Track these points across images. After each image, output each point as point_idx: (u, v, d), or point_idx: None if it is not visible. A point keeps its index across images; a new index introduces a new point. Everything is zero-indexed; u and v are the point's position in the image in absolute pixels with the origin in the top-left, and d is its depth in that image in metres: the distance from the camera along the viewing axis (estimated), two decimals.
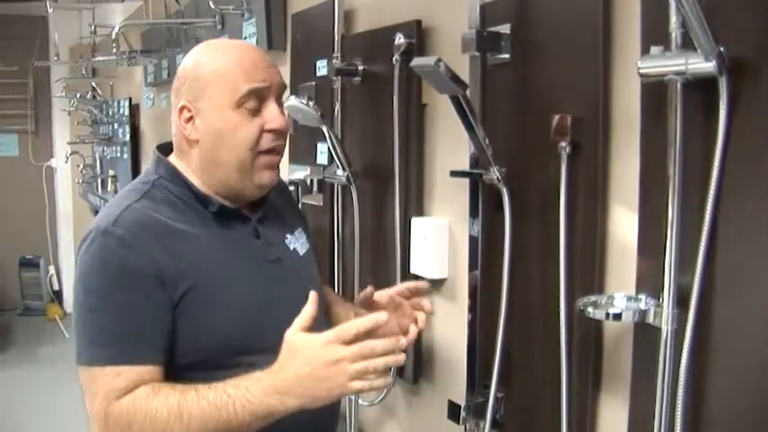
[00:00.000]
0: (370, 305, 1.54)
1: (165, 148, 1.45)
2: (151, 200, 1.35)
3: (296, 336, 1.23)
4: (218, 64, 1.35)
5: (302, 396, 1.21)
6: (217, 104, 1.33)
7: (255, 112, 1.35)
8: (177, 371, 1.30)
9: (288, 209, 1.58)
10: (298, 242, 1.52)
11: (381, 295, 1.56)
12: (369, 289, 1.56)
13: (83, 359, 1.27)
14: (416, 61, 1.50)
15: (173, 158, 1.42)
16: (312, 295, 1.28)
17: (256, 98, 1.34)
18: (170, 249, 1.29)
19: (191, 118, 1.36)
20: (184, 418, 1.22)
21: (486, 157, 1.59)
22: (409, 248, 1.99)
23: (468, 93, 1.51)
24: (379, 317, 1.23)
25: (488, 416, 1.65)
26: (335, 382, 1.20)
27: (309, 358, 1.21)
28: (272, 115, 1.36)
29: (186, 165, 1.40)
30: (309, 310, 1.26)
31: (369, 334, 1.22)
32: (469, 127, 1.54)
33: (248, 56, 1.37)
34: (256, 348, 1.31)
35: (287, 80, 2.69)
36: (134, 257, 1.27)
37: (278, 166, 1.42)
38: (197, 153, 1.37)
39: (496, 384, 1.63)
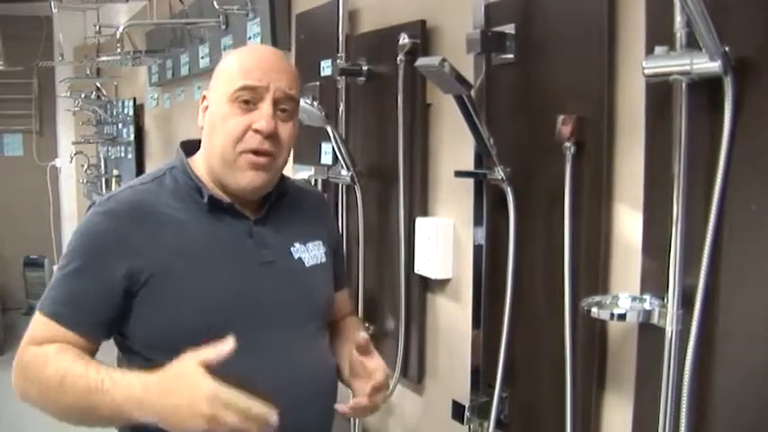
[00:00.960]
0: (364, 352, 1.43)
1: (190, 145, 1.49)
2: (159, 185, 1.42)
3: (193, 369, 1.17)
4: (230, 59, 1.42)
5: (162, 418, 1.18)
6: (218, 95, 1.39)
7: (247, 109, 1.36)
8: (140, 354, 1.35)
9: (312, 219, 1.54)
10: (308, 253, 1.49)
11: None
12: (362, 338, 1.42)
13: (39, 304, 1.42)
14: (421, 61, 1.51)
15: (198, 154, 1.46)
16: (226, 344, 1.19)
17: (250, 95, 1.35)
18: (150, 233, 1.34)
19: (207, 107, 1.43)
20: (63, 386, 1.27)
21: (490, 157, 1.59)
22: (413, 248, 1.99)
23: (472, 93, 1.51)
24: (272, 419, 1.17)
25: (492, 416, 1.65)
26: (199, 411, 1.15)
27: (189, 398, 1.16)
28: (260, 115, 1.35)
29: (203, 159, 1.44)
30: (221, 354, 1.18)
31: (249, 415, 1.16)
32: (474, 127, 1.54)
33: (258, 56, 1.40)
34: (215, 342, 1.22)
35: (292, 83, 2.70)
36: (110, 232, 1.36)
37: (266, 170, 1.38)
38: (203, 139, 1.43)
39: (501, 384, 1.63)
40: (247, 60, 1.39)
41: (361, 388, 1.41)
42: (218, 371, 1.18)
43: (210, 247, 1.37)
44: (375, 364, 1.40)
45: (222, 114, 1.37)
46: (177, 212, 1.38)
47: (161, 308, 1.33)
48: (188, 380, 1.18)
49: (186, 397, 1.17)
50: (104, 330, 1.36)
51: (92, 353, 1.34)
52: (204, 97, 1.44)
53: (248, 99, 1.36)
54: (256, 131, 1.36)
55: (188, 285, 1.33)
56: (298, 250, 1.48)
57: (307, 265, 1.48)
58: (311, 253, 1.50)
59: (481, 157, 1.66)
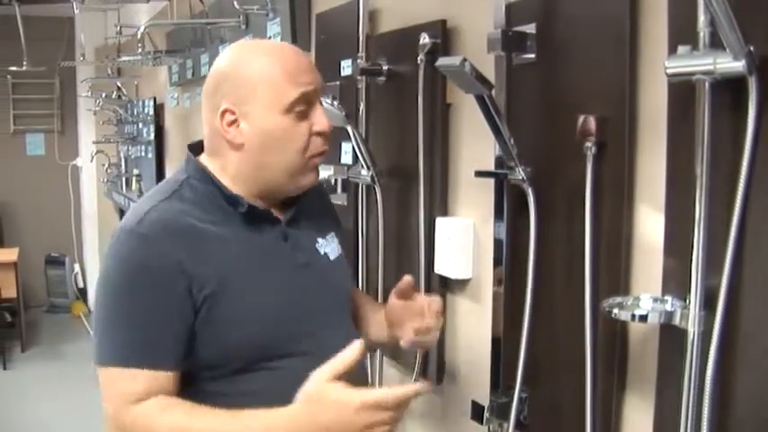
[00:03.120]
0: (408, 296, 1.49)
1: (196, 147, 1.45)
2: (179, 199, 1.34)
3: (330, 387, 1.16)
4: (264, 66, 1.33)
5: None
6: (265, 108, 1.32)
7: (304, 115, 1.34)
8: (198, 375, 1.30)
9: (323, 211, 1.56)
10: (329, 246, 1.50)
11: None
12: (407, 279, 1.48)
13: (100, 359, 1.30)
14: (442, 61, 1.50)
15: (203, 158, 1.41)
16: (356, 345, 1.20)
17: (305, 102, 1.34)
18: (194, 251, 1.28)
19: (234, 121, 1.33)
20: None
21: (511, 157, 1.59)
22: (434, 248, 1.99)
23: (493, 93, 1.50)
24: (423, 387, 1.22)
25: (512, 416, 1.64)
26: None
27: (339, 417, 1.15)
28: (319, 118, 1.36)
29: (220, 166, 1.38)
30: (348, 358, 1.19)
31: (404, 402, 1.18)
32: (495, 127, 1.54)
33: (293, 58, 1.36)
34: (280, 354, 1.31)
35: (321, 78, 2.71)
36: (156, 258, 1.26)
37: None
38: (239, 156, 1.35)
39: (520, 385, 1.63)
40: (287, 65, 1.33)
41: (415, 325, 1.45)
42: (295, 384, 1.19)
43: (254, 257, 1.35)
44: (423, 297, 1.46)
45: (281, 128, 1.33)
46: (212, 226, 1.32)
47: (225, 327, 1.29)
48: (330, 400, 1.16)
49: (336, 417, 1.15)
50: (186, 358, 1.29)
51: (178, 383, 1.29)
52: (228, 111, 1.33)
53: (305, 107, 1.34)
54: (318, 134, 1.36)
55: (245, 301, 1.31)
56: (321, 245, 1.48)
57: (331, 258, 1.49)
58: (331, 246, 1.51)
59: (502, 157, 1.65)
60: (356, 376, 1.45)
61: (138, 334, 1.27)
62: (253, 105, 1.32)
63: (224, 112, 1.34)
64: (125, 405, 1.25)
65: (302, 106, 1.34)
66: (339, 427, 1.15)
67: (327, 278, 1.46)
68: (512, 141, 1.54)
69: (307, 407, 1.17)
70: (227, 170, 1.37)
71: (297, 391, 1.18)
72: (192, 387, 1.30)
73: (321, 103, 1.39)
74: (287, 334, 1.33)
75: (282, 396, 1.19)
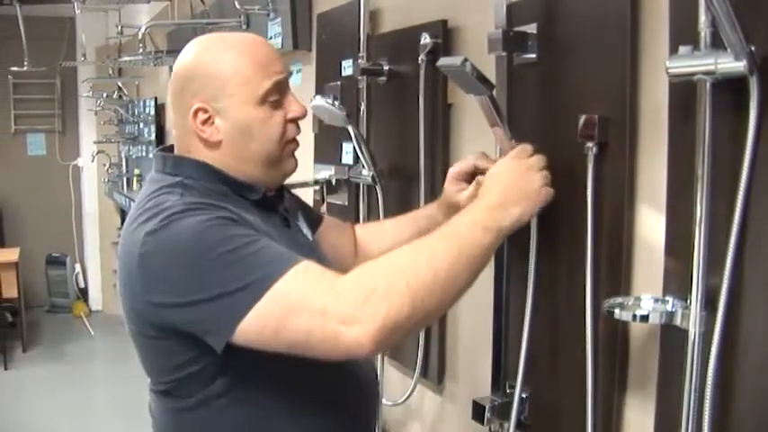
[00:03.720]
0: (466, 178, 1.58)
1: (166, 151, 1.42)
2: (191, 198, 1.29)
3: (489, 170, 1.40)
4: (233, 60, 1.33)
5: (518, 201, 1.34)
6: (240, 102, 1.32)
7: (278, 104, 1.35)
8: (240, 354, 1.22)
9: (285, 193, 1.55)
10: (305, 226, 1.53)
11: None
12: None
13: (255, 292, 1.15)
14: (443, 61, 1.50)
15: (208, 158, 1.38)
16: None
17: (278, 91, 1.35)
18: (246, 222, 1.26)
19: (208, 119, 1.33)
20: (425, 252, 1.20)
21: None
22: None
23: (494, 93, 1.50)
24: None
25: (513, 417, 1.64)
26: (533, 184, 1.36)
27: (508, 173, 1.36)
28: (293, 105, 1.37)
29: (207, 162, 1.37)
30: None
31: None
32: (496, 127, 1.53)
33: (261, 48, 1.36)
34: None
35: (312, 80, 2.71)
36: (224, 212, 1.23)
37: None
38: (219, 154, 1.35)
39: (521, 385, 1.62)
40: (256, 56, 1.33)
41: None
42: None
43: (278, 237, 1.32)
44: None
45: (258, 119, 1.33)
46: (236, 209, 1.28)
47: None
48: (504, 168, 1.39)
49: (510, 175, 1.36)
50: None
51: None
52: (201, 110, 1.32)
53: (278, 96, 1.35)
54: (292, 120, 1.37)
55: None
56: (301, 227, 1.51)
57: (310, 238, 1.52)
58: (304, 225, 1.53)
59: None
60: (366, 373, 1.47)
61: (268, 249, 1.20)
62: (226, 101, 1.32)
63: (196, 111, 1.33)
64: (333, 282, 1.16)
65: (275, 96, 1.34)
66: (514, 179, 1.35)
67: (318, 259, 1.46)
68: (513, 142, 1.54)
69: (485, 189, 1.35)
70: (217, 165, 1.36)
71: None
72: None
73: (290, 90, 1.39)
74: None
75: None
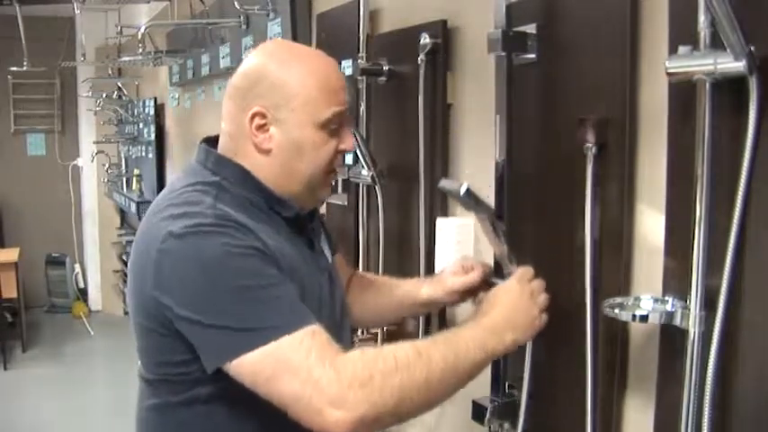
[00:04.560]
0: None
1: (211, 143, 1.41)
2: (224, 204, 1.27)
3: (493, 290, 1.42)
4: (307, 77, 1.32)
5: (515, 329, 1.36)
6: (301, 119, 1.31)
7: (335, 133, 1.35)
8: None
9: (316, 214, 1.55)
10: (326, 247, 1.52)
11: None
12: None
13: (261, 338, 1.16)
14: (443, 183, 1.50)
15: (251, 166, 1.36)
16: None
17: (338, 121, 1.35)
18: (268, 243, 1.25)
19: (264, 125, 1.32)
20: (423, 356, 1.22)
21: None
22: (434, 248, 1.98)
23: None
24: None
25: (521, 421, 1.64)
26: (532, 312, 1.39)
27: (510, 297, 1.39)
28: (347, 138, 1.38)
29: (251, 170, 1.35)
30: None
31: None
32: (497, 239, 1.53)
33: (335, 74, 1.37)
34: None
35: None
36: (252, 240, 1.22)
37: None
38: (265, 162, 1.34)
39: (528, 390, 1.63)
40: (329, 81, 1.34)
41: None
42: None
43: (302, 261, 1.34)
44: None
45: (312, 142, 1.32)
46: (265, 225, 1.29)
47: None
48: (498, 294, 1.40)
49: (511, 300, 1.38)
50: None
51: None
52: (259, 115, 1.31)
53: (337, 126, 1.35)
54: (342, 152, 1.38)
55: (305, 303, 1.27)
56: (324, 249, 1.50)
57: (330, 261, 1.51)
58: (326, 248, 1.52)
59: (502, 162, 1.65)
60: None
61: (290, 297, 1.22)
62: (287, 114, 1.31)
63: (255, 114, 1.31)
64: (334, 357, 1.17)
65: (335, 125, 1.34)
66: (516, 304, 1.38)
67: (337, 282, 1.49)
68: (513, 264, 1.51)
69: (486, 308, 1.38)
70: (258, 174, 1.34)
71: None
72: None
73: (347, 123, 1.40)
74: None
75: None
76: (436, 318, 2.03)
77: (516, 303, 1.38)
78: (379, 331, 2.24)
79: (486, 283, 1.55)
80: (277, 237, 1.30)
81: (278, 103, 1.30)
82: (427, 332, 2.05)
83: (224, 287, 1.18)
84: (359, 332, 2.21)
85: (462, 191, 1.38)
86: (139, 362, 1.38)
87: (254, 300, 1.18)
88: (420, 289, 1.64)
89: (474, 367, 1.30)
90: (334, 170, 1.40)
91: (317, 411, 1.14)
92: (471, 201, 1.41)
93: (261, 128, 1.32)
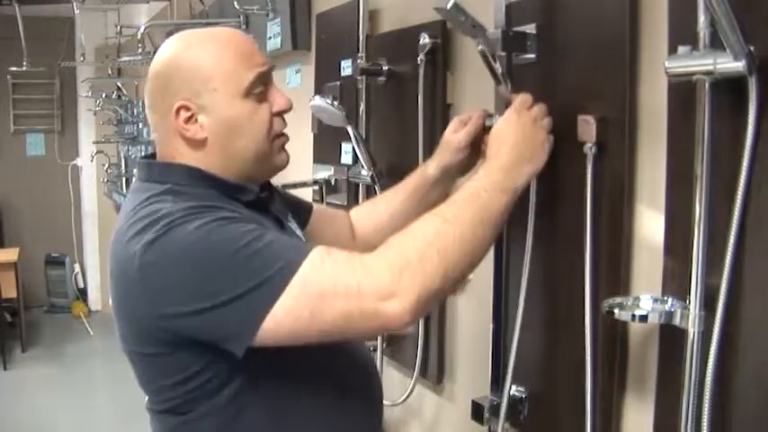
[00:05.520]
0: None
1: (148, 159, 1.39)
2: (183, 203, 1.22)
3: (493, 128, 1.41)
4: (214, 53, 1.28)
5: (529, 160, 1.36)
6: (225, 96, 1.28)
7: (263, 97, 1.32)
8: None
9: (276, 193, 1.51)
10: (295, 224, 1.49)
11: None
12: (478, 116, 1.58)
13: (280, 281, 1.12)
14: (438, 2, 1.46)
15: (196, 159, 1.33)
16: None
17: (262, 83, 1.31)
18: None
19: (191, 117, 1.28)
20: (450, 219, 1.21)
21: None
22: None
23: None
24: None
25: (502, 416, 1.64)
26: (540, 137, 1.39)
27: (513, 129, 1.37)
28: (278, 98, 1.34)
29: (194, 164, 1.32)
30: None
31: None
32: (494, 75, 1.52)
33: (241, 40, 1.33)
34: None
35: (312, 80, 2.71)
36: (226, 213, 1.20)
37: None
38: (206, 154, 1.31)
39: (518, 384, 1.63)
40: (237, 49, 1.30)
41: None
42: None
43: None
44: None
45: (245, 113, 1.29)
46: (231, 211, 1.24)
47: None
48: (500, 129, 1.39)
49: (515, 132, 1.37)
50: None
51: None
52: (183, 108, 1.27)
53: (263, 89, 1.32)
54: (278, 113, 1.34)
55: None
56: (293, 225, 1.47)
57: (303, 239, 1.47)
58: (295, 225, 1.49)
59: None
60: (367, 369, 1.47)
61: (280, 240, 1.19)
62: (210, 96, 1.27)
63: (179, 109, 1.28)
64: (364, 257, 1.16)
65: (260, 87, 1.31)
66: (522, 134, 1.37)
67: None
68: (512, 94, 1.50)
69: (494, 149, 1.36)
70: (204, 166, 1.31)
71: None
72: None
73: (274, 83, 1.37)
74: None
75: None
76: (436, 310, 2.03)
77: (521, 134, 1.37)
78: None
79: (489, 128, 1.52)
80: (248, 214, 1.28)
81: (196, 89, 1.27)
82: (426, 331, 2.06)
83: (217, 262, 1.14)
84: None
85: (449, 5, 1.34)
86: (146, 396, 1.34)
87: (250, 256, 1.14)
88: (426, 169, 1.63)
89: (503, 211, 1.30)
90: (280, 134, 1.36)
91: (374, 313, 1.12)
92: (461, 17, 1.36)
93: (189, 120, 1.29)
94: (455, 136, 1.58)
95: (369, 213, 1.70)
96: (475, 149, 1.59)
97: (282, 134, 1.37)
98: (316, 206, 1.68)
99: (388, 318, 1.12)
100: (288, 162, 1.40)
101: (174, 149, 1.32)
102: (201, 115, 1.28)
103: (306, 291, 1.12)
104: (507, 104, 1.49)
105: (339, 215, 1.72)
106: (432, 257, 1.15)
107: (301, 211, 1.60)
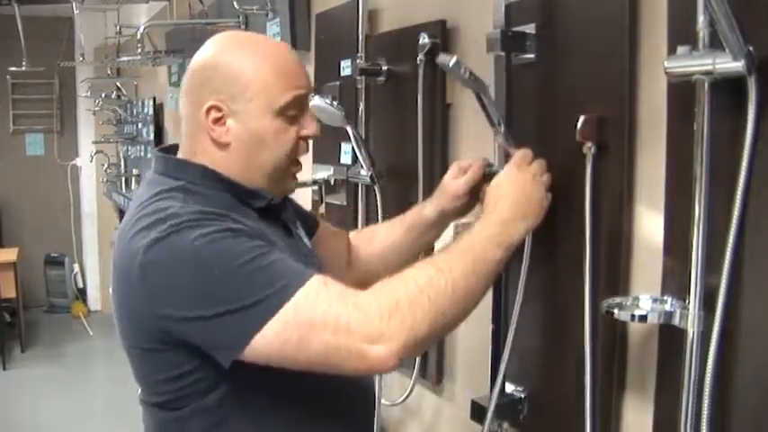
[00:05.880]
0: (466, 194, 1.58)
1: (169, 152, 1.39)
2: (193, 203, 1.23)
3: (492, 181, 1.42)
4: (259, 65, 1.28)
5: (526, 216, 1.37)
6: (258, 108, 1.28)
7: (294, 119, 1.32)
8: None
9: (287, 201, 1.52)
10: (303, 234, 1.50)
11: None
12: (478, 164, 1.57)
13: (274, 303, 1.13)
14: (441, 58, 1.49)
15: (212, 160, 1.33)
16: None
17: (297, 106, 1.31)
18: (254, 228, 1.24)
19: (220, 118, 1.29)
20: (444, 268, 1.21)
21: (510, 156, 1.58)
22: (432, 248, 1.98)
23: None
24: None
25: (489, 414, 1.64)
26: (539, 195, 1.40)
27: (513, 185, 1.38)
28: (309, 123, 1.35)
29: (213, 166, 1.32)
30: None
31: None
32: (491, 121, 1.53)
33: (289, 59, 1.33)
34: None
35: (311, 80, 2.71)
36: (234, 222, 1.20)
37: None
38: (226, 155, 1.31)
39: (518, 385, 1.63)
40: (283, 66, 1.30)
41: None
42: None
43: (285, 247, 1.30)
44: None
45: (272, 130, 1.29)
46: (240, 216, 1.24)
47: None
48: (498, 184, 1.40)
49: (515, 187, 1.38)
50: None
51: None
52: (215, 108, 1.28)
53: (297, 111, 1.32)
54: (305, 138, 1.34)
55: None
56: (301, 235, 1.47)
57: (310, 246, 1.49)
58: (303, 233, 1.50)
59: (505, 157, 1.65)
60: (366, 383, 1.46)
61: (282, 261, 1.18)
62: (244, 104, 1.28)
63: (210, 108, 1.28)
64: (355, 296, 1.15)
65: (294, 110, 1.31)
66: (522, 190, 1.38)
67: (318, 267, 1.46)
68: (512, 147, 1.52)
69: (493, 203, 1.37)
70: (221, 169, 1.32)
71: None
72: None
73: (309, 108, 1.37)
74: None
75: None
76: None
77: (520, 191, 1.38)
78: None
79: (488, 176, 1.53)
80: (255, 224, 1.28)
81: (233, 94, 1.28)
82: None
83: (218, 273, 1.14)
84: None
85: (451, 63, 1.42)
86: (140, 388, 1.35)
87: (250, 273, 1.14)
88: (424, 209, 1.64)
89: (496, 266, 1.32)
90: (298, 161, 1.37)
91: (359, 354, 1.13)
92: (461, 73, 1.42)
93: (218, 121, 1.29)
94: (454, 183, 1.59)
95: (366, 241, 1.71)
96: (473, 196, 1.59)
97: (299, 162, 1.38)
98: (321, 222, 1.69)
99: (372, 361, 1.13)
100: (294, 190, 1.42)
101: (197, 144, 1.33)
102: (231, 119, 1.29)
103: (297, 317, 1.13)
104: (506, 155, 1.51)
105: (340, 235, 1.73)
106: (423, 304, 1.16)
107: (309, 224, 1.60)
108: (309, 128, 1.35)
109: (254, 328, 1.13)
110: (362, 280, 1.27)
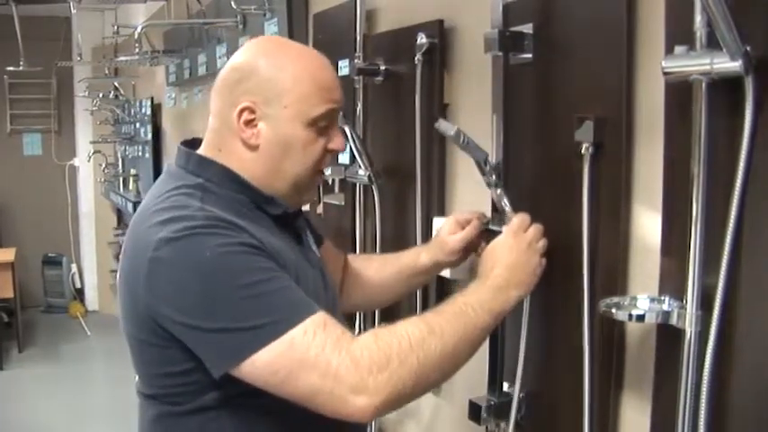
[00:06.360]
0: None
1: (190, 146, 1.39)
2: (210, 205, 1.24)
3: (489, 245, 1.43)
4: (298, 73, 1.30)
5: (519, 285, 1.38)
6: (291, 116, 1.29)
7: (324, 132, 1.33)
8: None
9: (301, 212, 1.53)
10: (312, 243, 1.51)
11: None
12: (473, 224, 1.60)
13: (270, 333, 1.14)
14: (441, 124, 1.53)
15: (210, 156, 1.35)
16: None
17: (329, 119, 1.33)
18: (264, 241, 1.23)
19: (252, 120, 1.30)
20: (436, 331, 1.23)
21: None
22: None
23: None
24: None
25: (512, 416, 1.64)
26: (534, 262, 1.41)
27: (510, 251, 1.39)
28: (337, 137, 1.36)
29: (236, 167, 1.33)
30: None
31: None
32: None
33: (327, 71, 1.35)
34: None
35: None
36: (248, 238, 1.20)
37: None
38: (252, 158, 1.32)
39: (518, 385, 1.63)
40: (321, 78, 1.32)
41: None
42: None
43: (294, 257, 1.32)
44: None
45: (302, 139, 1.31)
46: (254, 223, 1.26)
47: None
48: (493, 250, 1.42)
49: (509, 254, 1.39)
50: None
51: None
52: (248, 110, 1.29)
53: (327, 124, 1.33)
54: (331, 151, 1.36)
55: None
56: (311, 243, 1.48)
57: (318, 255, 1.49)
58: (312, 242, 1.51)
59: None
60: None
61: (287, 290, 1.19)
62: (278, 110, 1.29)
63: (243, 109, 1.29)
64: (348, 344, 1.15)
65: (325, 123, 1.33)
66: (517, 257, 1.39)
67: (328, 276, 1.48)
68: (510, 210, 1.53)
69: (488, 268, 1.38)
70: (244, 171, 1.33)
71: None
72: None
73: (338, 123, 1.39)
74: None
75: None
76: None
77: (515, 258, 1.39)
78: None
79: (485, 233, 1.55)
80: (267, 234, 1.28)
81: (268, 98, 1.29)
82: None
83: (223, 288, 1.15)
84: None
85: (452, 132, 1.46)
86: (137, 377, 1.36)
87: (255, 296, 1.16)
88: (419, 256, 1.65)
89: (485, 332, 1.33)
90: (321, 171, 1.38)
91: (341, 401, 1.14)
92: (462, 143, 1.47)
93: (249, 123, 1.30)
94: (451, 239, 1.61)
95: (361, 270, 1.72)
96: (468, 250, 1.62)
97: (323, 172, 1.40)
98: (326, 241, 1.69)
99: (352, 410, 1.15)
100: (312, 201, 1.43)
101: (223, 141, 1.34)
102: (262, 123, 1.30)
103: (289, 352, 1.14)
104: (502, 217, 1.54)
105: (339, 254, 1.74)
106: (411, 364, 1.18)
107: (317, 237, 1.61)
108: (337, 142, 1.37)
109: (245, 353, 1.14)
110: (344, 307, 1.34)
